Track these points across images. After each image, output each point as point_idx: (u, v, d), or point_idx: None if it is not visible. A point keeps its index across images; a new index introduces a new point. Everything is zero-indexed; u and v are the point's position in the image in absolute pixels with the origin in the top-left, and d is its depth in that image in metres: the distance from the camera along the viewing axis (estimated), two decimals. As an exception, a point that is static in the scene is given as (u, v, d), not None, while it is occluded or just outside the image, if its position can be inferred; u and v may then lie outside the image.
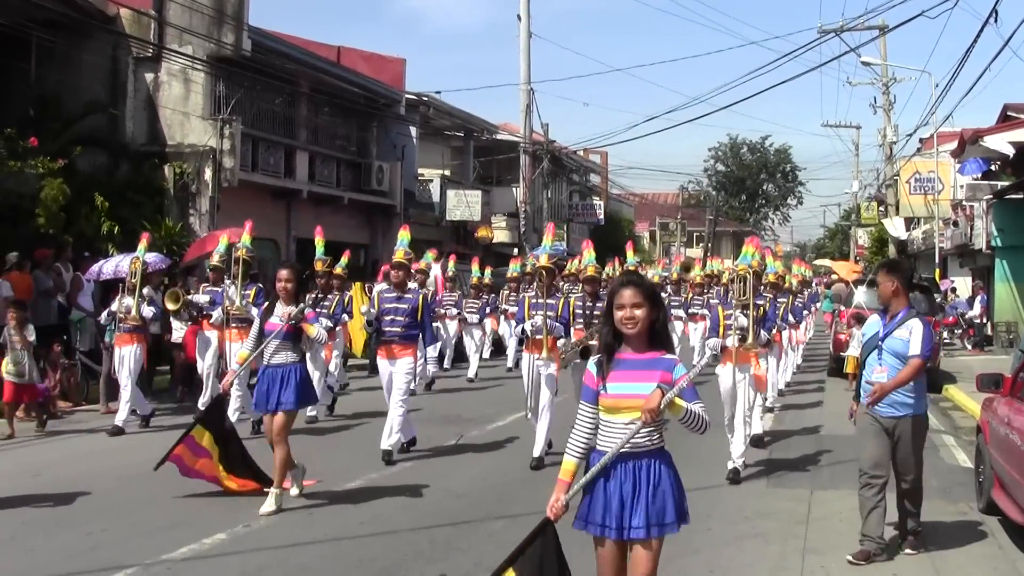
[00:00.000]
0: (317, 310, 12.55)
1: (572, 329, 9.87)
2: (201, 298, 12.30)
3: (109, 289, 13.94)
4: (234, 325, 11.70)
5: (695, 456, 8.97)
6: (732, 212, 74.14)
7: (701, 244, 61.95)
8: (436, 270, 20.18)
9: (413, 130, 29.03)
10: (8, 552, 6.64)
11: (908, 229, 37.46)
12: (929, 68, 67.14)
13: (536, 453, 9.73)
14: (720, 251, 54.31)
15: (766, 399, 12.16)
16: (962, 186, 27.64)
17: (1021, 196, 22.35)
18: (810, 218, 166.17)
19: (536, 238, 33.45)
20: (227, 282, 11.98)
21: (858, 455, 6.87)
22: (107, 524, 7.29)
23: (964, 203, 27.53)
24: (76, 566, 6.34)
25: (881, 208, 41.41)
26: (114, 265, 14.52)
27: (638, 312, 4.24)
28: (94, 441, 11.17)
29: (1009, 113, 22.54)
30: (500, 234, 32.83)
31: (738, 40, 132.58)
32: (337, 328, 13.42)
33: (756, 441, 10.56)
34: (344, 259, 14.83)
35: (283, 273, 8.00)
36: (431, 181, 30.16)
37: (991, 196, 23.65)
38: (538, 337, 9.81)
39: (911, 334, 6.56)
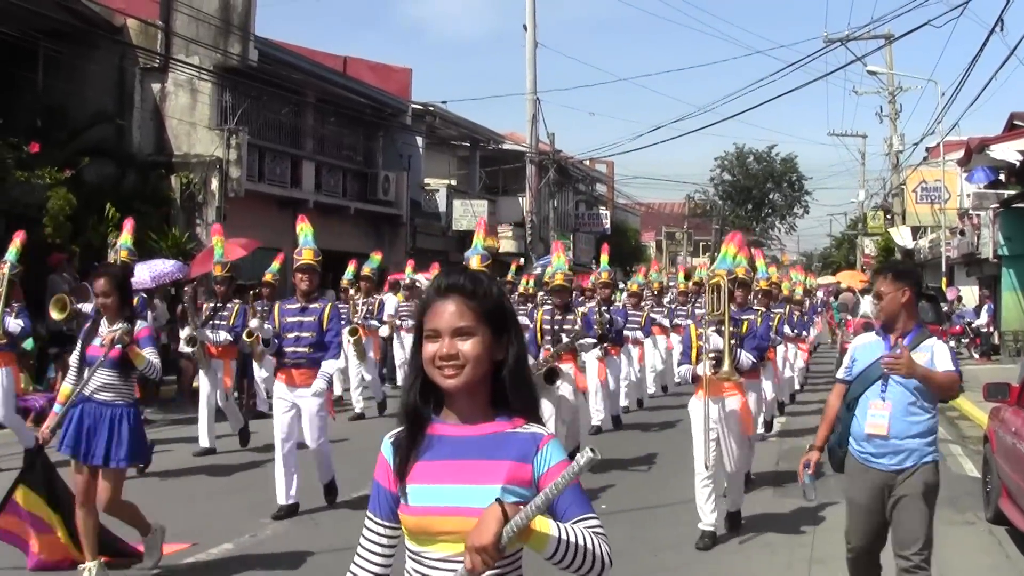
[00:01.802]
0: (214, 322, 11.18)
1: (540, 349, 8.73)
2: (88, 307, 11.01)
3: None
4: None
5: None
6: (738, 221, 73.98)
7: (707, 253, 61.91)
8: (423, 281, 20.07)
9: (419, 140, 29.08)
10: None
11: (914, 238, 37.45)
12: (935, 77, 67.35)
13: None
14: (726, 260, 54.12)
15: (761, 430, 10.44)
16: (969, 195, 27.66)
17: (1028, 205, 22.32)
18: (816, 227, 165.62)
19: (543, 247, 33.50)
20: None
21: (846, 524, 5.21)
22: (112, 533, 7.26)
23: (971, 212, 27.54)
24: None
25: (887, 217, 41.40)
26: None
27: (465, 346, 2.31)
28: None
29: (1015, 122, 22.44)
30: (506, 244, 32.87)
31: (744, 50, 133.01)
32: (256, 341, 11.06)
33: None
34: (275, 264, 14.21)
35: (99, 284, 6.02)
36: (437, 191, 30.21)
37: (998, 205, 23.63)
38: None
39: (934, 355, 4.92)
